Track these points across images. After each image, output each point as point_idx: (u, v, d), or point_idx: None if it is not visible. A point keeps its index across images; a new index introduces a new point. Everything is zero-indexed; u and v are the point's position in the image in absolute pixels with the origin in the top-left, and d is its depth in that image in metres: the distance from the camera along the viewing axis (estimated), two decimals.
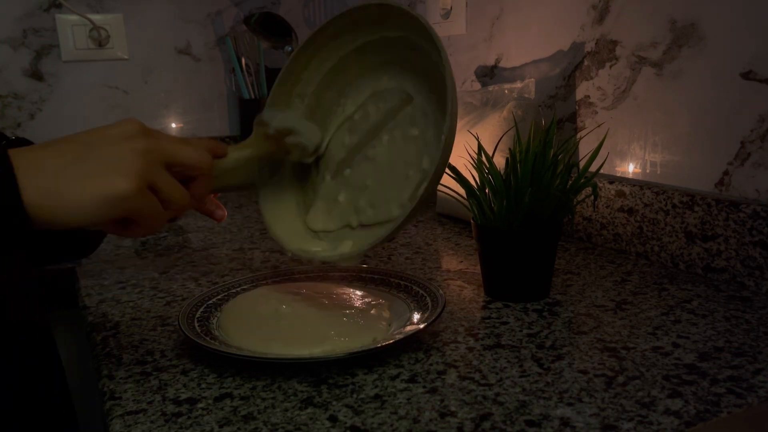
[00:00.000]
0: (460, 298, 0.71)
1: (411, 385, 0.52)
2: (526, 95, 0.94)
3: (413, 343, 0.59)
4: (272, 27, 1.34)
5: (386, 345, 0.54)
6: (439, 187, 0.74)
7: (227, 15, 1.50)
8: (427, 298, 0.64)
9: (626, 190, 0.84)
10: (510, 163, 0.67)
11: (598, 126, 0.89)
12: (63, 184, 0.43)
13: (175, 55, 1.46)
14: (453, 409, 0.48)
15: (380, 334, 0.58)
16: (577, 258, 0.83)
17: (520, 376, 0.52)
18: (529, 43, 1.00)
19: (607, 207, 0.87)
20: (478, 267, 0.72)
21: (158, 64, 1.45)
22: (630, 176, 0.87)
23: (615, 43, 0.86)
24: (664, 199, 0.79)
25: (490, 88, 1.00)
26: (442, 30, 1.18)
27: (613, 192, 0.86)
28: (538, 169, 0.65)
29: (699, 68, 0.76)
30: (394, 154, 0.62)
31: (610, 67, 0.87)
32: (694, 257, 0.76)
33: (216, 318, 0.63)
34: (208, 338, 0.57)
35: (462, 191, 0.70)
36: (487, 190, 0.69)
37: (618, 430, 0.45)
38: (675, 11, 0.77)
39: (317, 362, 0.55)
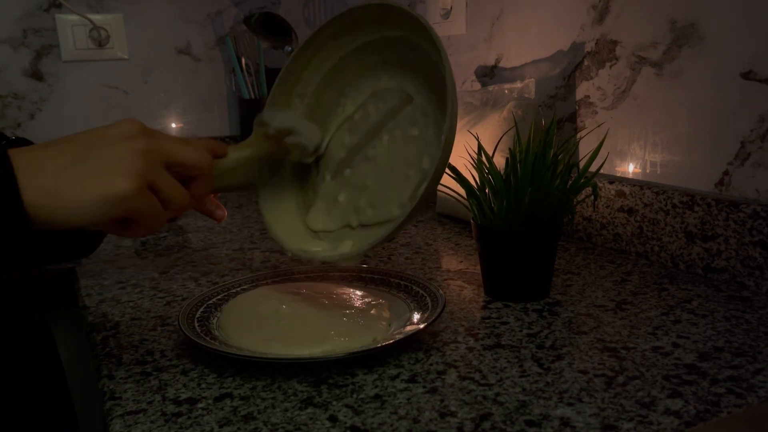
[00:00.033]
0: (460, 298, 0.71)
1: (411, 385, 0.52)
2: (526, 95, 0.94)
3: (413, 343, 0.59)
4: (272, 27, 1.34)
5: (386, 345, 0.54)
6: (439, 187, 0.74)
7: (227, 15, 1.50)
8: (427, 298, 0.64)
9: (626, 190, 0.84)
10: (510, 163, 0.67)
11: (598, 126, 0.89)
12: (63, 184, 0.43)
13: (175, 55, 1.46)
14: (453, 409, 0.48)
15: (380, 334, 0.58)
16: (577, 258, 0.83)
17: (520, 376, 0.52)
18: (529, 43, 1.00)
19: (607, 207, 0.87)
20: (478, 267, 0.72)
21: (158, 64, 1.45)
22: (630, 176, 0.87)
23: (615, 43, 0.86)
24: (664, 199, 0.79)
25: (490, 88, 1.00)
26: (442, 30, 1.18)
27: (613, 192, 0.86)
28: (538, 169, 0.65)
29: (699, 68, 0.76)
30: (394, 154, 0.62)
31: (610, 67, 0.87)
32: (694, 257, 0.76)
33: (216, 318, 0.63)
34: (208, 338, 0.57)
35: (462, 191, 0.70)
36: (487, 190, 0.69)
37: (618, 430, 0.45)
38: (675, 11, 0.77)
39: (317, 362, 0.55)
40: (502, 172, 0.68)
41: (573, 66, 0.93)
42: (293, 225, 0.67)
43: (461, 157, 0.75)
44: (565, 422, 0.46)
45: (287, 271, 0.74)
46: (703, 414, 0.46)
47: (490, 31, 1.08)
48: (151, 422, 0.47)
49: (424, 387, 0.51)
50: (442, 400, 0.49)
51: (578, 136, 0.92)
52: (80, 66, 1.38)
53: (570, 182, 0.68)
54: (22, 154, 0.43)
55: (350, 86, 0.66)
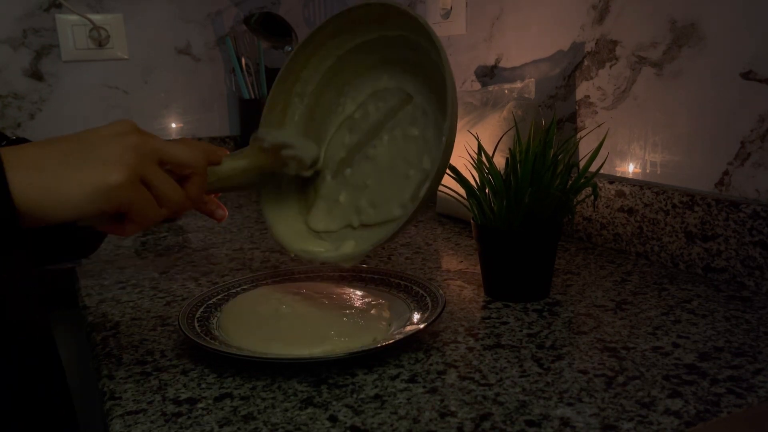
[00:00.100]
0: (460, 298, 0.71)
1: (411, 385, 0.52)
2: (526, 95, 0.94)
3: (413, 343, 0.59)
4: (272, 27, 1.34)
5: (386, 345, 0.54)
6: (439, 187, 0.74)
7: (227, 15, 1.50)
8: (427, 298, 0.64)
9: (626, 190, 0.84)
10: (510, 163, 0.67)
11: (598, 126, 0.89)
12: (53, 178, 0.43)
13: (175, 55, 1.46)
14: (453, 409, 0.48)
15: (380, 334, 0.58)
16: (577, 258, 0.83)
17: (520, 376, 0.52)
18: (529, 43, 1.00)
19: (607, 207, 0.87)
20: (478, 267, 0.72)
21: (158, 64, 1.45)
22: (630, 176, 0.87)
23: (615, 43, 0.86)
24: (664, 199, 0.79)
25: (490, 88, 1.00)
26: (442, 30, 1.18)
27: (613, 192, 0.86)
28: (538, 169, 0.65)
29: (699, 68, 0.76)
30: (394, 153, 0.62)
31: (610, 67, 0.87)
32: (694, 257, 0.76)
33: (216, 318, 0.63)
34: (208, 338, 0.57)
35: (462, 191, 0.70)
36: (487, 190, 0.69)
37: (618, 430, 0.45)
38: (675, 11, 0.77)
39: (317, 362, 0.55)
40: (502, 172, 0.68)
41: (573, 66, 0.93)
42: (295, 225, 0.67)
43: (461, 157, 0.75)
44: (565, 422, 0.46)
45: (287, 271, 0.74)
46: (703, 414, 0.46)
47: (490, 31, 1.08)
48: (151, 422, 0.47)
49: (424, 387, 0.51)
50: (442, 400, 0.49)
51: (578, 136, 0.92)
52: (80, 66, 1.38)
53: (570, 182, 0.68)
54: (10, 151, 0.43)
55: (350, 85, 0.66)
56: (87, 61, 1.38)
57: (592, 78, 0.90)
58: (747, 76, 0.71)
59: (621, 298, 0.69)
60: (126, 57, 1.41)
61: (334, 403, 0.49)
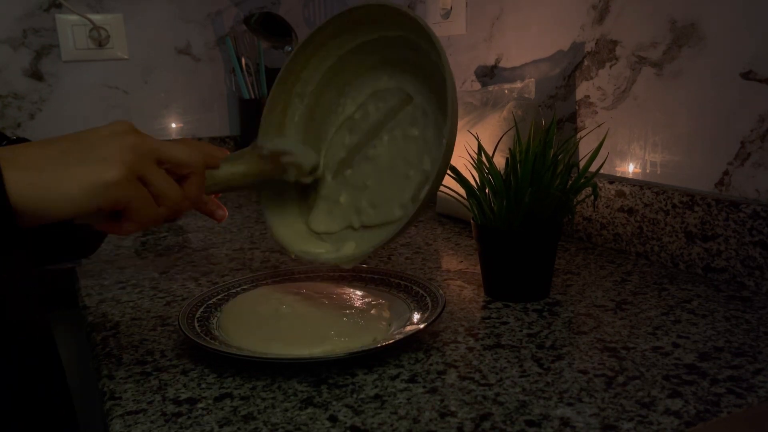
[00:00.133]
0: (460, 298, 0.71)
1: (411, 385, 0.52)
2: (526, 95, 0.94)
3: (413, 343, 0.59)
4: (272, 27, 1.34)
5: (386, 345, 0.54)
6: (440, 187, 0.74)
7: (227, 15, 1.50)
8: (427, 298, 0.64)
9: (626, 190, 0.84)
10: (510, 163, 0.67)
11: (598, 126, 0.89)
12: (50, 175, 0.43)
13: (175, 55, 1.46)
14: (453, 409, 0.48)
15: (380, 334, 0.58)
16: (577, 258, 0.83)
17: (520, 376, 0.52)
18: (529, 43, 1.00)
19: (607, 207, 0.87)
20: (478, 267, 0.72)
21: (158, 64, 1.45)
22: (630, 176, 0.87)
23: (615, 43, 0.86)
24: (664, 199, 0.79)
25: (490, 88, 1.00)
26: (442, 30, 1.18)
27: (613, 192, 0.86)
28: (538, 169, 0.65)
29: (699, 68, 0.76)
30: (394, 153, 0.62)
31: (610, 67, 0.87)
32: (694, 257, 0.76)
33: (216, 318, 0.63)
34: (208, 338, 0.57)
35: (462, 191, 0.70)
36: (487, 190, 0.69)
37: (618, 430, 0.45)
38: (675, 11, 0.77)
39: (317, 362, 0.55)
40: (502, 172, 0.68)
41: (573, 66, 0.93)
42: (295, 226, 0.67)
43: (461, 157, 0.75)
44: (565, 422, 0.46)
45: (287, 271, 0.74)
46: (703, 414, 0.46)
47: (490, 31, 1.08)
48: (151, 422, 0.47)
49: (424, 387, 0.51)
50: (442, 400, 0.49)
51: (578, 136, 0.92)
52: (80, 66, 1.38)
53: (570, 182, 0.68)
54: (6, 150, 0.43)
55: (350, 86, 0.66)
56: (87, 61, 1.38)
57: (592, 78, 0.90)
58: (747, 76, 0.71)
59: (621, 298, 0.69)
60: (126, 57, 1.41)
61: (334, 403, 0.49)
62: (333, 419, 0.47)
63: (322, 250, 0.64)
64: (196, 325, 0.60)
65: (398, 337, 0.55)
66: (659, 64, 0.80)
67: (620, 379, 0.52)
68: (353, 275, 0.72)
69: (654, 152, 0.83)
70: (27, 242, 0.43)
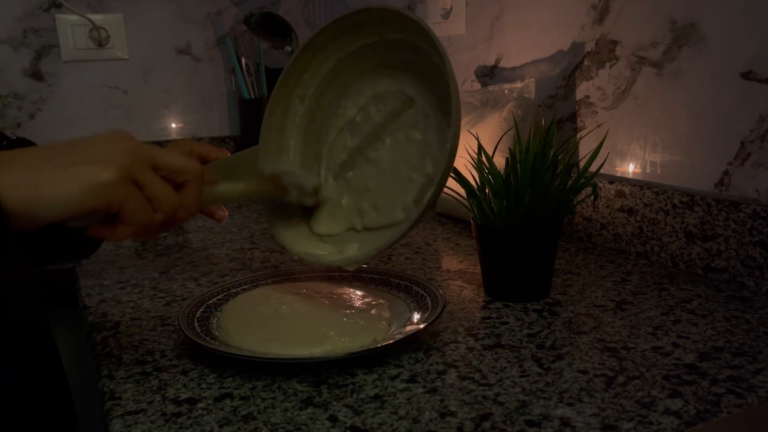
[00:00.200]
0: (460, 298, 0.71)
1: (411, 385, 0.52)
2: (526, 95, 0.94)
3: (413, 343, 0.59)
4: (272, 27, 1.34)
5: (386, 345, 0.54)
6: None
7: (227, 15, 1.50)
8: (427, 298, 0.64)
9: (626, 190, 0.84)
10: (510, 163, 0.67)
11: (598, 126, 0.89)
12: (43, 176, 0.43)
13: (175, 55, 1.46)
14: (453, 409, 0.48)
15: (380, 334, 0.58)
16: (577, 258, 0.83)
17: (520, 376, 0.52)
18: (529, 43, 1.00)
19: (607, 207, 0.87)
20: (478, 267, 0.72)
21: (158, 64, 1.45)
22: (630, 176, 0.87)
23: (615, 43, 0.86)
24: (664, 199, 0.79)
25: (490, 88, 1.00)
26: (442, 30, 1.18)
27: (613, 192, 0.86)
28: (538, 169, 0.65)
29: (699, 68, 0.76)
30: (396, 156, 0.62)
31: (610, 67, 0.87)
32: (694, 257, 0.76)
33: (216, 318, 0.63)
34: (208, 338, 0.57)
35: (462, 191, 0.70)
36: (487, 190, 0.69)
37: (618, 430, 0.45)
38: (675, 11, 0.77)
39: (317, 362, 0.55)
40: (502, 172, 0.68)
41: (573, 66, 0.93)
42: (297, 228, 0.67)
43: (461, 157, 0.75)
44: (565, 422, 0.46)
45: (287, 271, 0.74)
46: (703, 414, 0.46)
47: (490, 31, 1.08)
48: (151, 422, 0.47)
49: (424, 387, 0.51)
50: (442, 400, 0.49)
51: (578, 136, 0.92)
52: (80, 66, 1.38)
53: (570, 182, 0.68)
54: (2, 154, 0.43)
55: (350, 88, 0.66)
56: (87, 61, 1.38)
57: (592, 78, 0.90)
58: (747, 76, 0.71)
59: (621, 298, 0.69)
60: (126, 57, 1.41)
61: (334, 403, 0.49)
62: (333, 419, 0.47)
63: (324, 252, 0.64)
64: (196, 325, 0.60)
65: (398, 337, 0.55)
66: (659, 64, 0.80)
67: (620, 379, 0.52)
68: (353, 275, 0.72)
69: (654, 152, 0.83)
70: (19, 244, 0.43)
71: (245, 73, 1.44)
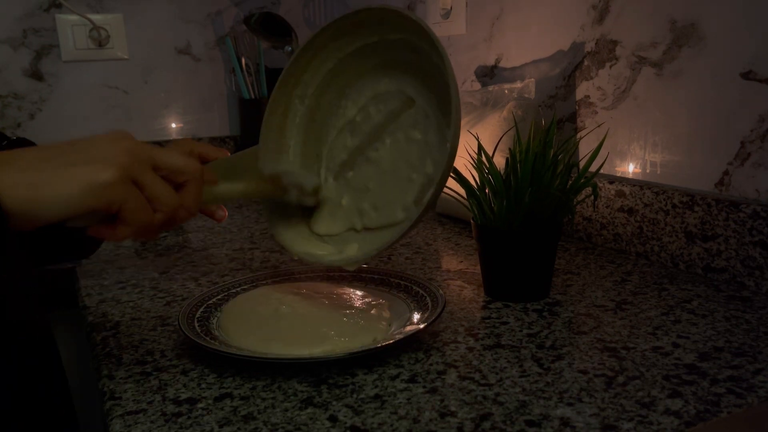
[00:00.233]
0: (460, 298, 0.71)
1: (411, 385, 0.52)
2: (526, 95, 0.94)
3: (413, 343, 0.59)
4: (272, 27, 1.34)
5: (386, 345, 0.54)
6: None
7: (227, 15, 1.50)
8: (427, 298, 0.64)
9: (626, 190, 0.84)
10: (510, 163, 0.67)
11: (598, 126, 0.89)
12: (42, 176, 0.43)
13: (175, 55, 1.46)
14: (453, 409, 0.48)
15: (380, 334, 0.58)
16: (577, 258, 0.83)
17: (520, 376, 0.52)
18: (529, 43, 1.00)
19: (607, 207, 0.87)
20: (478, 267, 0.72)
21: (158, 64, 1.45)
22: (630, 176, 0.87)
23: (615, 43, 0.86)
24: (664, 199, 0.79)
25: (490, 88, 1.00)
26: (442, 30, 1.18)
27: (613, 192, 0.86)
28: (538, 169, 0.65)
29: (699, 68, 0.76)
30: (396, 156, 0.62)
31: (610, 67, 0.87)
32: (694, 257, 0.76)
33: (216, 318, 0.63)
34: (208, 338, 0.57)
35: (462, 191, 0.70)
36: (487, 190, 0.69)
37: (618, 430, 0.45)
38: (675, 11, 0.77)
39: (317, 362, 0.55)
40: (502, 172, 0.68)
41: (573, 66, 0.93)
42: (297, 228, 0.67)
43: (461, 157, 0.75)
44: (565, 422, 0.46)
45: (287, 271, 0.74)
46: (703, 414, 0.46)
47: (490, 31, 1.08)
48: (151, 422, 0.47)
49: (424, 387, 0.51)
50: (442, 400, 0.49)
51: (578, 136, 0.92)
52: (80, 66, 1.38)
53: (570, 182, 0.68)
54: (3, 154, 0.43)
55: (350, 88, 0.66)
56: (87, 61, 1.38)
57: (592, 78, 0.90)
58: (747, 76, 0.71)
59: (621, 298, 0.69)
60: (126, 57, 1.41)
61: (334, 403, 0.49)
62: (333, 419, 0.47)
63: (324, 252, 0.64)
64: (196, 325, 0.60)
65: (398, 337, 0.55)
66: (659, 64, 0.80)
67: (620, 379, 0.52)
68: (353, 275, 0.72)
69: (654, 152, 0.83)
70: (18, 245, 0.43)
71: (245, 73, 1.44)
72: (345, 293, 0.67)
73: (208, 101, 1.51)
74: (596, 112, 0.90)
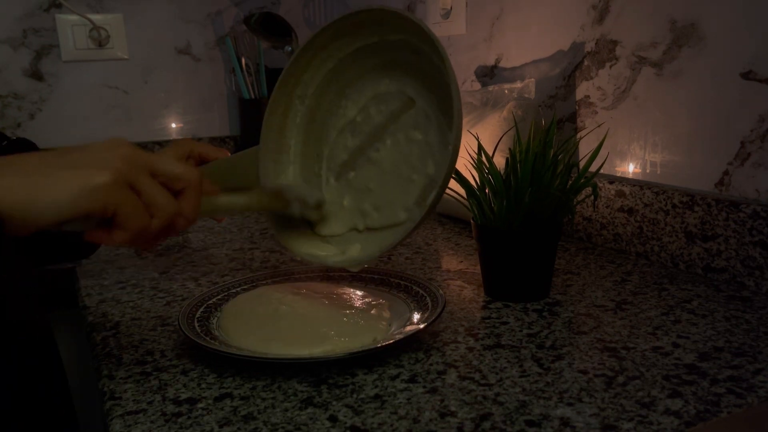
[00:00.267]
0: (460, 298, 0.71)
1: (411, 385, 0.52)
2: (526, 95, 0.94)
3: (413, 343, 0.59)
4: (272, 27, 1.34)
5: (386, 345, 0.54)
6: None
7: (227, 15, 1.50)
8: (427, 298, 0.64)
9: (626, 190, 0.84)
10: (510, 163, 0.67)
11: (598, 126, 0.89)
12: (37, 180, 0.43)
13: (175, 55, 1.46)
14: (453, 409, 0.48)
15: (380, 334, 0.58)
16: (577, 258, 0.83)
17: (520, 376, 0.52)
18: (529, 43, 1.00)
19: (607, 207, 0.87)
20: (478, 267, 0.72)
21: (158, 64, 1.45)
22: (630, 176, 0.87)
23: (615, 43, 0.86)
24: (664, 199, 0.79)
25: (490, 88, 1.00)
26: (442, 30, 1.18)
27: (613, 192, 0.86)
28: (538, 169, 0.65)
29: (699, 68, 0.76)
30: (397, 157, 0.62)
31: (610, 67, 0.87)
32: (694, 257, 0.76)
33: (216, 318, 0.63)
34: (208, 338, 0.57)
35: (462, 191, 0.70)
36: (487, 190, 0.69)
37: (618, 430, 0.45)
38: (675, 11, 0.77)
39: (317, 362, 0.55)
40: (502, 172, 0.68)
41: (573, 66, 0.93)
42: (299, 229, 0.67)
43: (461, 157, 0.75)
44: (565, 422, 0.46)
45: (287, 271, 0.74)
46: (703, 414, 0.46)
47: (490, 31, 1.08)
48: (151, 422, 0.47)
49: (424, 387, 0.51)
50: (442, 400, 0.49)
51: (578, 136, 0.92)
52: (80, 66, 1.38)
53: (570, 182, 0.68)
54: (1, 159, 0.43)
55: (350, 88, 0.66)
56: (87, 61, 1.38)
57: (592, 78, 0.90)
58: (747, 76, 0.71)
59: (621, 298, 0.69)
60: (126, 57, 1.41)
61: (334, 403, 0.49)
62: (333, 419, 0.47)
63: (326, 253, 0.64)
64: (196, 325, 0.60)
65: (398, 337, 0.55)
66: (659, 64, 0.80)
67: (620, 379, 0.52)
68: (353, 275, 0.72)
69: (654, 152, 0.83)
70: (18, 246, 0.43)
71: (245, 73, 1.44)
72: (345, 293, 0.67)
73: (208, 101, 1.51)
74: (596, 112, 0.90)
